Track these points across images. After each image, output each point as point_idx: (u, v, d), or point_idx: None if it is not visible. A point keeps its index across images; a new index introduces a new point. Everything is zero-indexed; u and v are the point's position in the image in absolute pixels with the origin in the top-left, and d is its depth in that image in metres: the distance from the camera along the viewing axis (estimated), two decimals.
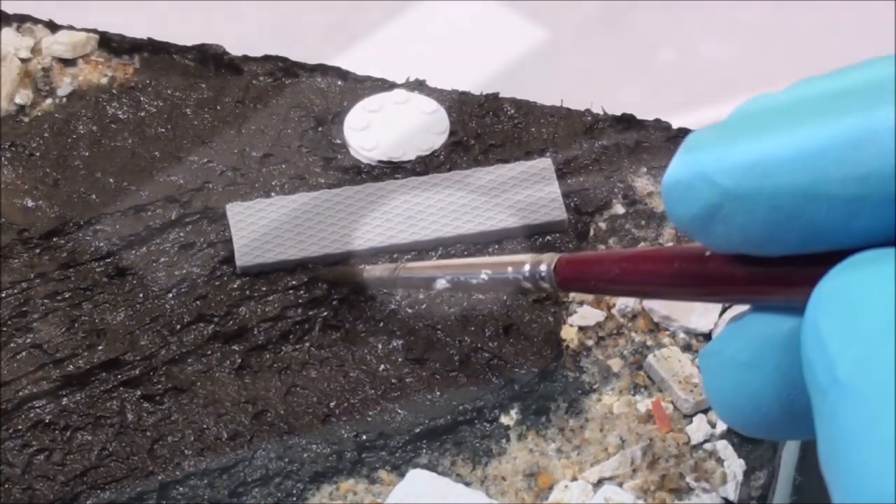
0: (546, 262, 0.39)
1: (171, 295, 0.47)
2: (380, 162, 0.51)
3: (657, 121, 0.52)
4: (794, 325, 0.31)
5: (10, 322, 0.46)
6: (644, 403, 0.44)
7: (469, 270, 0.42)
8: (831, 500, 0.28)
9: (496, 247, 0.48)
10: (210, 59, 0.54)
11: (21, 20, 0.55)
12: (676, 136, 0.51)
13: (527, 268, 0.40)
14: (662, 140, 0.51)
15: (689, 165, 0.32)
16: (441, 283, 0.43)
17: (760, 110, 0.31)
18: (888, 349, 0.26)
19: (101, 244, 0.48)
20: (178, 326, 0.46)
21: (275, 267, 0.47)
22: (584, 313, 0.47)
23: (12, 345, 0.46)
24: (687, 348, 0.46)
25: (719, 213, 0.31)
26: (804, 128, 0.30)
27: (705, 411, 0.44)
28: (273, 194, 0.50)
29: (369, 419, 0.44)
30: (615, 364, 0.46)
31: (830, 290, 0.29)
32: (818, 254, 0.31)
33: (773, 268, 0.32)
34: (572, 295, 0.47)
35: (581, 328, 0.46)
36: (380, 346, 0.46)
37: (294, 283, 0.47)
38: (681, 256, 0.34)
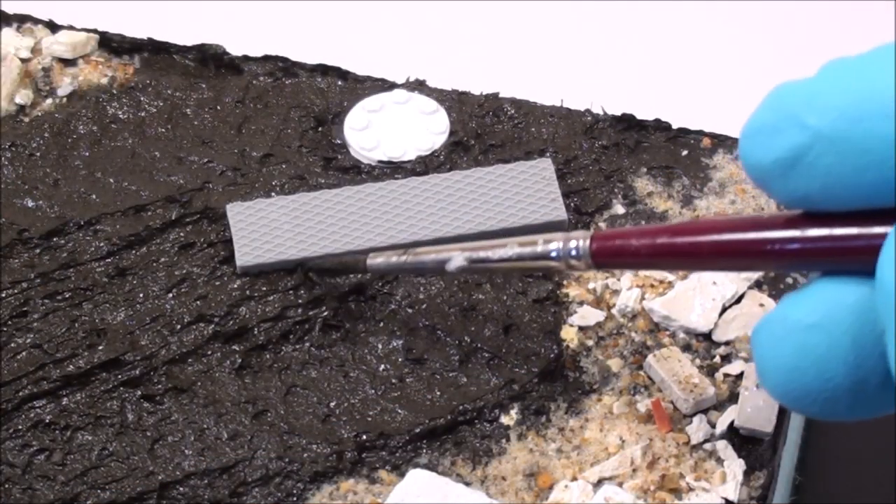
0: (579, 239, 0.39)
1: (171, 295, 0.47)
2: (380, 162, 0.51)
3: (657, 121, 0.52)
4: (863, 289, 0.31)
5: (10, 322, 0.46)
6: (644, 403, 0.44)
7: (493, 248, 0.42)
8: None
9: None
10: (210, 59, 0.54)
11: (21, 20, 0.55)
12: (676, 136, 0.51)
13: (557, 244, 0.40)
14: (662, 140, 0.51)
15: (777, 109, 0.31)
16: (457, 262, 0.42)
17: (848, 65, 0.31)
18: None
19: (101, 244, 0.48)
20: (178, 326, 0.46)
21: (275, 267, 0.47)
22: (584, 313, 0.47)
23: (12, 345, 0.46)
24: (687, 348, 0.46)
25: (806, 156, 0.31)
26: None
27: (705, 411, 0.44)
28: (273, 194, 0.50)
29: (369, 419, 0.44)
30: (615, 364, 0.46)
31: None
32: (880, 212, 0.31)
33: (838, 229, 0.32)
34: (572, 295, 0.47)
35: (581, 328, 0.46)
36: (380, 346, 0.46)
37: (294, 283, 0.47)
38: (734, 225, 0.34)
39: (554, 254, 0.40)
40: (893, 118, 0.30)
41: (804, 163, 0.31)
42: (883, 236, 0.30)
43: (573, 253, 0.39)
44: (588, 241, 0.39)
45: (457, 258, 0.42)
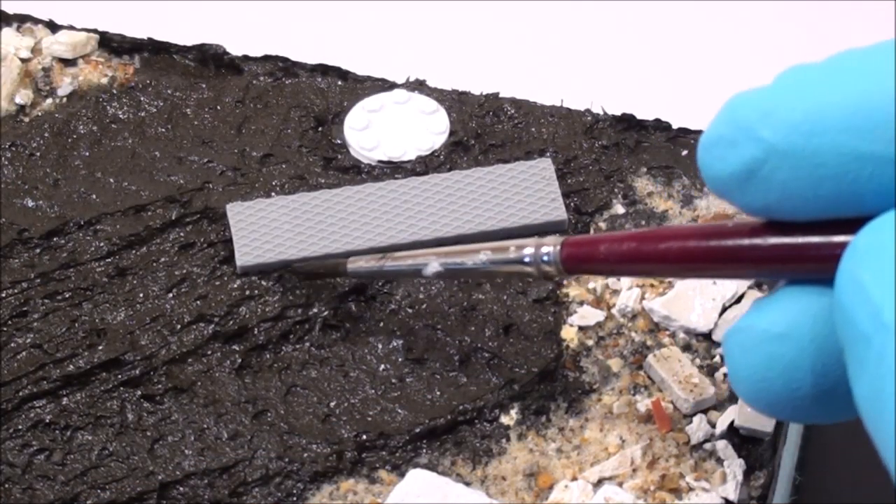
0: (551, 245, 0.39)
1: (171, 295, 0.47)
2: (380, 162, 0.51)
3: (657, 121, 0.52)
4: (827, 298, 0.32)
5: (10, 322, 0.46)
6: (644, 403, 0.44)
7: (467, 254, 0.42)
8: (876, 447, 0.28)
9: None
10: (210, 59, 0.54)
11: (21, 20, 0.55)
12: (676, 136, 0.51)
13: (530, 250, 0.40)
14: (662, 140, 0.51)
15: (732, 122, 0.32)
16: (433, 268, 0.43)
17: (805, 75, 0.31)
18: None
19: (101, 244, 0.48)
20: (178, 326, 0.46)
21: (275, 267, 0.47)
22: (584, 313, 0.47)
23: (12, 345, 0.46)
24: (687, 348, 0.46)
25: (761, 170, 0.31)
26: (853, 89, 0.30)
27: (705, 411, 0.44)
28: (273, 194, 0.50)
29: (369, 419, 0.44)
30: (615, 364, 0.46)
31: (869, 244, 0.29)
32: (844, 221, 0.31)
33: (800, 238, 0.32)
34: (572, 295, 0.47)
35: (581, 328, 0.46)
36: (380, 346, 0.46)
37: (294, 283, 0.47)
38: (699, 232, 0.34)
39: (527, 259, 0.40)
40: (848, 131, 0.30)
41: (760, 176, 0.31)
42: (844, 245, 0.30)
43: (545, 259, 0.39)
44: (559, 247, 0.39)
45: (433, 264, 0.43)
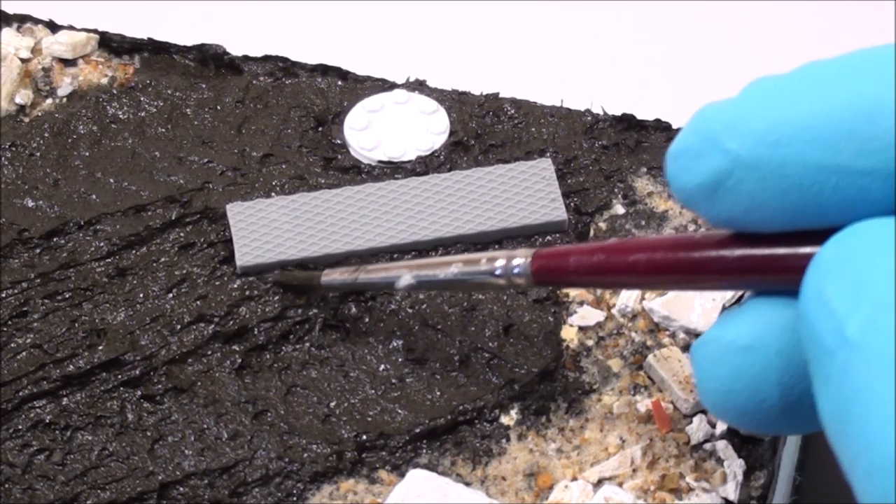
0: (522, 257, 0.40)
1: (171, 295, 0.47)
2: (380, 162, 0.51)
3: (657, 121, 0.52)
4: (793, 309, 0.32)
5: (10, 322, 0.46)
6: (644, 403, 0.44)
7: (439, 267, 0.42)
8: (840, 463, 0.28)
9: (496, 247, 0.48)
10: (210, 59, 0.54)
11: (21, 20, 0.55)
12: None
13: (501, 262, 0.40)
14: (662, 140, 0.51)
15: (699, 133, 0.32)
16: (406, 280, 0.43)
17: (771, 86, 0.31)
18: None
19: (101, 244, 0.48)
20: (178, 326, 0.46)
21: (275, 267, 0.47)
22: (584, 313, 0.47)
23: (12, 345, 0.46)
24: (687, 348, 0.46)
25: (728, 181, 0.31)
26: (818, 101, 0.30)
27: (705, 411, 0.44)
28: (273, 194, 0.50)
29: (369, 419, 0.44)
30: (615, 364, 0.46)
31: (833, 257, 0.29)
32: (810, 233, 0.31)
33: (766, 249, 0.32)
34: (572, 295, 0.47)
35: (581, 328, 0.46)
36: (380, 346, 0.46)
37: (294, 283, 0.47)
38: (667, 244, 0.34)
39: (497, 272, 0.40)
40: (813, 142, 0.30)
41: (726, 187, 0.31)
42: (810, 257, 0.30)
43: (515, 271, 0.39)
44: (529, 260, 0.39)
45: (405, 277, 0.43)
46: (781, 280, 0.32)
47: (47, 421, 0.44)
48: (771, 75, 0.32)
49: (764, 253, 0.32)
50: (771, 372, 0.32)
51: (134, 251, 0.48)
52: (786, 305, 0.32)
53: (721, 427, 0.44)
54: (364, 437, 0.44)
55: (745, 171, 0.31)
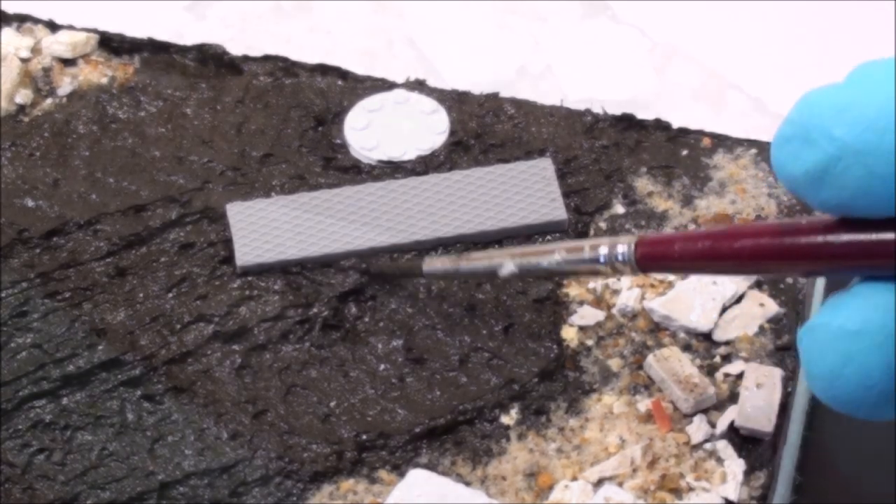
0: (625, 244, 0.40)
1: (171, 295, 0.47)
2: (380, 162, 0.51)
3: (657, 121, 0.52)
4: None
5: (10, 322, 0.46)
6: (644, 403, 0.44)
7: (541, 255, 0.42)
8: None
9: (496, 247, 0.48)
10: (210, 59, 0.54)
11: (21, 20, 0.55)
12: (676, 136, 0.51)
13: (604, 250, 0.40)
14: (662, 140, 0.51)
15: (806, 120, 0.31)
16: (508, 268, 0.43)
17: (876, 71, 0.31)
18: None
19: (101, 244, 0.48)
20: (178, 326, 0.46)
21: (275, 267, 0.47)
22: (584, 313, 0.47)
23: (12, 345, 0.46)
24: (687, 348, 0.46)
25: (835, 168, 0.31)
26: None
27: (705, 411, 0.44)
28: (273, 194, 0.50)
29: (369, 419, 0.44)
30: (615, 364, 0.46)
31: None
32: None
33: (872, 234, 0.32)
34: (572, 295, 0.47)
35: (581, 328, 0.46)
36: (380, 346, 0.46)
37: (294, 283, 0.47)
38: (772, 230, 0.34)
39: (601, 259, 0.40)
40: None
41: (833, 174, 0.31)
42: None
43: (619, 258, 0.40)
44: (633, 247, 0.39)
45: (507, 265, 0.43)
46: (889, 265, 0.31)
47: (47, 421, 0.44)
48: (875, 60, 0.31)
49: (871, 238, 0.32)
50: (880, 357, 0.32)
51: (134, 251, 0.48)
52: (893, 290, 0.32)
53: (721, 427, 0.44)
54: (364, 436, 0.44)
55: (852, 158, 0.30)
